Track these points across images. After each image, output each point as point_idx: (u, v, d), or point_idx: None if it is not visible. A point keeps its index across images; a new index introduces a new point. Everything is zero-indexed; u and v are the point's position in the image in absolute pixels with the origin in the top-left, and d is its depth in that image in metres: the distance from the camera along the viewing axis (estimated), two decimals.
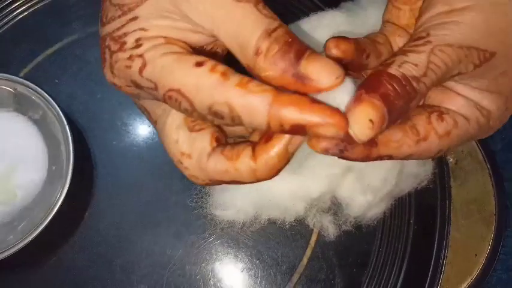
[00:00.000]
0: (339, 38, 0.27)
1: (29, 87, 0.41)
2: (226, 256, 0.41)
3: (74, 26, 0.47)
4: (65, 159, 0.40)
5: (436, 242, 0.41)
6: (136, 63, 0.24)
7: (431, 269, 0.41)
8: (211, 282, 0.41)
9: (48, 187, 0.41)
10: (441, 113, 0.26)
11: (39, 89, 0.41)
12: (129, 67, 0.25)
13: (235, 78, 0.23)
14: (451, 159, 0.43)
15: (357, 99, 0.23)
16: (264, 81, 0.23)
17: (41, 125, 0.42)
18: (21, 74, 0.45)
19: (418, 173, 0.40)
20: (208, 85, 0.23)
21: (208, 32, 0.24)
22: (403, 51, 0.25)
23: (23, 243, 0.38)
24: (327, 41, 0.27)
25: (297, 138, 0.24)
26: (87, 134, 0.44)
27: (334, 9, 0.39)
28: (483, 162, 0.43)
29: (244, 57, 0.23)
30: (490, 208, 0.42)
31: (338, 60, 0.26)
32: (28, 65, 0.46)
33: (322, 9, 0.43)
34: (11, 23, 0.47)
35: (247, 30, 0.23)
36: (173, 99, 0.24)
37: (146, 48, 0.24)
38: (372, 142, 0.24)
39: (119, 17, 0.25)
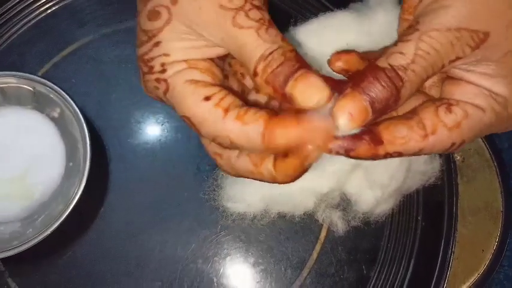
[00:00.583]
0: (341, 52, 0.29)
1: (48, 86, 0.42)
2: (237, 250, 0.42)
3: (89, 27, 0.48)
4: (81, 156, 0.41)
5: (443, 238, 0.41)
6: (162, 86, 0.28)
7: (438, 265, 0.41)
8: (224, 276, 0.42)
9: (66, 183, 0.42)
10: (450, 104, 0.26)
11: (57, 88, 0.42)
12: (157, 88, 0.28)
13: (235, 112, 0.25)
14: (458, 157, 0.43)
15: (341, 94, 0.24)
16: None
17: (59, 122, 0.43)
18: (39, 74, 0.46)
19: (425, 170, 0.41)
20: (211, 120, 0.26)
21: (223, 47, 0.27)
22: (395, 43, 0.26)
23: (41, 237, 0.39)
24: (330, 56, 0.29)
25: (312, 156, 0.25)
26: (102, 132, 0.45)
27: (343, 9, 0.40)
28: (490, 160, 0.44)
29: (248, 72, 0.26)
30: (496, 205, 0.42)
31: (344, 72, 0.28)
32: (45, 65, 0.47)
33: (331, 10, 0.44)
34: (29, 24, 0.49)
35: (248, 54, 0.26)
36: (186, 122, 0.27)
37: (170, 74, 0.27)
38: (377, 140, 0.25)
39: (146, 42, 0.28)
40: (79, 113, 0.41)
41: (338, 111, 0.24)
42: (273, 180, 0.27)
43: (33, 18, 0.49)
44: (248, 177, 0.28)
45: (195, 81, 0.27)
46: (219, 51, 0.28)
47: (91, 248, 0.42)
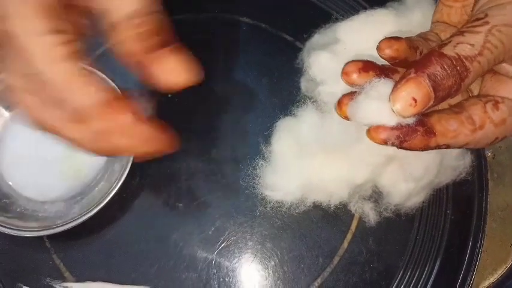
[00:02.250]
0: (391, 38, 0.29)
1: (97, 75, 0.44)
2: (272, 237, 0.44)
3: None
4: None
5: (472, 231, 0.43)
6: None
7: (467, 257, 0.42)
8: (257, 261, 0.43)
9: (109, 168, 0.44)
10: (496, 102, 0.27)
11: (105, 77, 0.43)
12: None
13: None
14: (489, 153, 0.44)
15: (404, 77, 0.24)
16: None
17: None
18: (85, 63, 0.49)
19: (457, 165, 0.42)
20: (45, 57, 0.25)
21: None
22: (460, 32, 0.26)
23: (84, 217, 0.41)
24: (379, 42, 0.29)
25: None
26: None
27: (382, 7, 0.41)
28: None
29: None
30: None
31: (392, 59, 0.29)
32: (92, 54, 0.49)
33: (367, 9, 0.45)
34: None
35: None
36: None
37: None
38: (430, 131, 0.26)
39: None
40: None
41: (400, 95, 0.24)
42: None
43: None
44: (50, 130, 0.27)
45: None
46: None
47: (132, 229, 0.44)
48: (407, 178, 0.40)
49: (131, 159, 0.42)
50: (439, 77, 0.24)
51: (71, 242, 0.44)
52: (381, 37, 0.39)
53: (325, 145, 0.39)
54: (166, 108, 0.47)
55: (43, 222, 0.42)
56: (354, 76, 0.27)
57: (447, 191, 0.45)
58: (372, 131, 0.26)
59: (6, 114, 0.45)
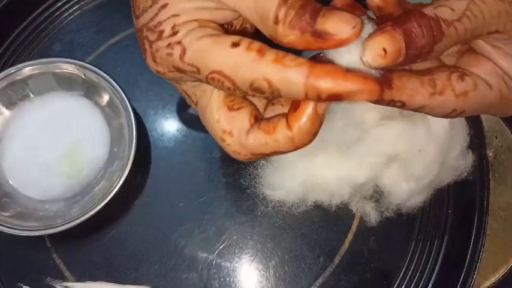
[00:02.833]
0: None
1: (98, 74, 0.44)
2: (272, 237, 0.44)
3: None
4: (127, 142, 0.43)
5: (474, 231, 0.43)
6: (177, 50, 0.25)
7: (468, 257, 0.42)
8: (258, 261, 0.43)
9: (110, 167, 0.44)
10: (463, 74, 0.27)
11: (107, 76, 0.43)
12: (170, 54, 0.26)
13: (271, 54, 0.24)
14: (490, 153, 0.44)
15: (380, 29, 0.24)
16: (288, 47, 0.24)
17: (106, 109, 0.45)
18: (86, 61, 0.48)
19: (458, 165, 0.42)
20: (246, 64, 0.24)
21: (232, 8, 0.26)
22: None
23: (84, 217, 0.41)
24: None
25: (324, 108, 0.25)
26: (145, 119, 0.47)
27: None
28: None
29: (265, 28, 0.24)
30: None
31: (379, 10, 0.27)
32: (92, 53, 0.49)
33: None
34: (76, 13, 0.51)
35: (266, 3, 0.24)
36: (216, 80, 0.25)
37: (183, 34, 0.25)
38: (387, 84, 0.25)
39: (150, 6, 0.26)
40: (127, 101, 0.43)
41: (373, 43, 0.23)
42: (291, 143, 0.26)
43: (81, 7, 0.51)
44: (261, 154, 0.27)
45: (212, 35, 0.25)
46: (227, 14, 0.27)
47: (133, 229, 0.44)
48: (409, 178, 0.40)
49: (132, 158, 0.42)
50: (413, 34, 0.24)
51: (72, 242, 0.44)
52: None
53: (326, 145, 0.39)
54: (167, 107, 0.48)
55: (43, 222, 0.42)
56: None
57: (448, 191, 0.45)
58: None
59: (7, 113, 0.45)
